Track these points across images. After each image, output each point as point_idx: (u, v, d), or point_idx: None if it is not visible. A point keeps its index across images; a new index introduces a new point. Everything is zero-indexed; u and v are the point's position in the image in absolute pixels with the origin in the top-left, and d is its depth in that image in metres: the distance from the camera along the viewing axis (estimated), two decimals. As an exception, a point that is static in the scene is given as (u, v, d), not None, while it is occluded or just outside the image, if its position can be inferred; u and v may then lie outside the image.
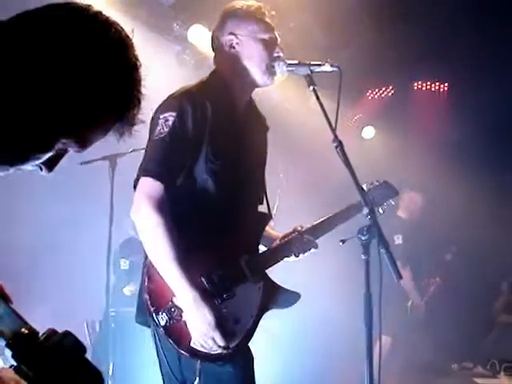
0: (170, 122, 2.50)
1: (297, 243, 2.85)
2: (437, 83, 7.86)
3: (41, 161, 1.30)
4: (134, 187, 2.54)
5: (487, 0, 5.89)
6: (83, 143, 1.31)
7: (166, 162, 2.50)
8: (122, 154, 4.34)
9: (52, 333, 1.20)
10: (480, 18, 5.96)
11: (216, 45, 2.81)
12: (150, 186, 2.47)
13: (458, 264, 7.89)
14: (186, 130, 2.53)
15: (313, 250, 2.90)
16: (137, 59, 1.32)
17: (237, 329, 2.54)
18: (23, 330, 1.19)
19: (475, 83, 7.02)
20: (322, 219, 3.02)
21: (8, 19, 1.27)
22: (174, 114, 2.52)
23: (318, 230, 2.96)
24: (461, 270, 7.85)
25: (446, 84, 7.01)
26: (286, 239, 2.87)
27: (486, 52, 6.42)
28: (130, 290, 5.48)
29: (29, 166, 1.31)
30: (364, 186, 3.12)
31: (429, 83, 7.87)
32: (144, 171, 2.51)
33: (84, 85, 1.23)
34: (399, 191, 3.29)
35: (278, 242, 2.88)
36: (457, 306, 7.60)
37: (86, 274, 5.62)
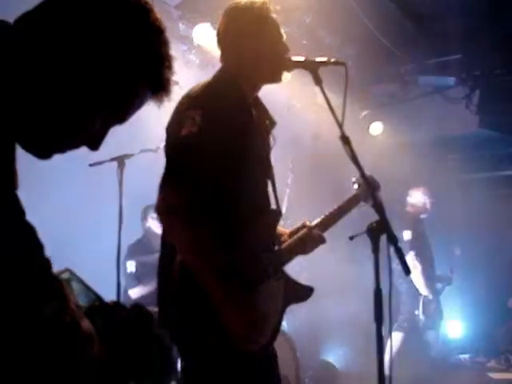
0: (199, 120, 2.37)
1: (309, 239, 2.89)
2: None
3: (86, 138, 1.31)
4: None
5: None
6: (122, 113, 1.33)
7: (198, 168, 2.34)
8: (130, 155, 4.34)
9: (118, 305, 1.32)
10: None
11: (222, 43, 2.79)
12: (181, 206, 2.33)
13: (470, 258, 7.88)
14: (215, 130, 2.38)
15: (321, 245, 2.93)
16: (160, 23, 1.33)
17: (266, 326, 2.53)
18: (96, 303, 1.29)
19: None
20: (327, 213, 3.06)
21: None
22: (199, 111, 2.40)
23: (325, 224, 3.01)
24: (473, 264, 7.84)
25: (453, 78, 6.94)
26: (298, 236, 2.88)
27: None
28: (134, 292, 5.47)
29: (74, 147, 1.31)
30: (353, 181, 3.17)
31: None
32: (174, 183, 2.36)
33: (114, 53, 1.24)
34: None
35: (288, 238, 2.88)
36: (469, 300, 7.59)
37: (96, 276, 5.61)
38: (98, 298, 1.30)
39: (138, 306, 1.34)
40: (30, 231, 1.18)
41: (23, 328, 1.09)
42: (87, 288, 1.30)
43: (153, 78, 1.32)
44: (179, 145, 2.41)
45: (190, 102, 2.50)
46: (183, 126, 2.38)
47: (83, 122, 1.27)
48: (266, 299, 2.56)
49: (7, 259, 1.09)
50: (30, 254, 1.15)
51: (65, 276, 1.28)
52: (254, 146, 2.62)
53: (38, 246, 1.18)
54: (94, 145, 1.34)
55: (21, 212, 1.18)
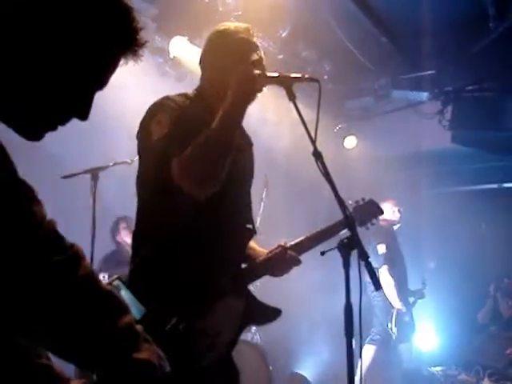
0: (167, 120, 2.45)
1: (278, 260, 2.86)
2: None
3: (72, 109, 1.32)
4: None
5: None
6: (102, 77, 1.34)
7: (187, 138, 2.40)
8: (104, 167, 4.32)
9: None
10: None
11: (202, 65, 2.83)
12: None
13: (443, 271, 7.96)
14: (184, 126, 2.47)
15: (294, 267, 2.91)
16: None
17: (217, 342, 2.54)
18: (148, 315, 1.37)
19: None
20: (307, 235, 3.03)
21: None
22: (165, 114, 2.47)
23: (302, 246, 2.97)
24: (445, 277, 7.92)
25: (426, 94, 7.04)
26: (268, 256, 2.86)
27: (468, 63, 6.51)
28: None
29: (62, 121, 1.32)
30: (350, 203, 3.18)
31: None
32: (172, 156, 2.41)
33: (79, 19, 1.26)
34: (380, 200, 3.37)
35: (261, 258, 2.87)
36: (441, 313, 7.66)
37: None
38: (148, 310, 1.33)
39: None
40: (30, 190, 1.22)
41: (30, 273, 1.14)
42: (135, 298, 1.34)
43: (121, 30, 1.34)
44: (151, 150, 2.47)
45: (155, 108, 2.56)
46: (152, 132, 2.45)
47: (63, 93, 1.28)
48: (222, 316, 2.55)
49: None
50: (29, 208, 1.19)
51: (115, 283, 1.31)
52: None
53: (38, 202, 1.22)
54: (82, 114, 1.35)
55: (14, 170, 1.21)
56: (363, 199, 3.31)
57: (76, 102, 1.32)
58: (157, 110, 2.55)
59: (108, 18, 1.31)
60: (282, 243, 2.91)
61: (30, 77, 1.23)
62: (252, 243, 2.93)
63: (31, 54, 1.22)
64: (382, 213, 3.37)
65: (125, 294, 1.30)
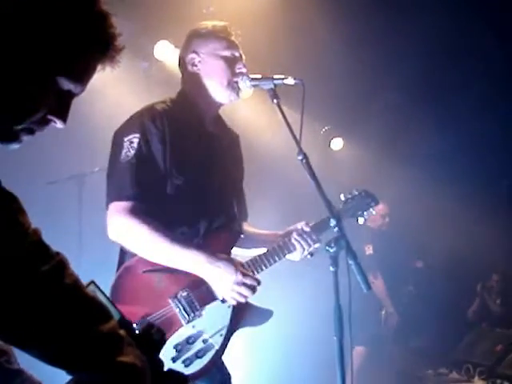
0: (135, 144, 2.52)
1: (260, 261, 2.80)
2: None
3: (49, 110, 1.31)
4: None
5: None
6: (77, 79, 1.33)
7: (137, 183, 2.51)
8: (88, 172, 4.30)
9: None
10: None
11: (181, 65, 2.85)
12: (123, 207, 2.48)
13: (430, 270, 7.98)
14: (152, 150, 2.57)
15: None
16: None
17: (206, 347, 2.54)
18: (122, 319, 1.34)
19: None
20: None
21: None
22: (137, 135, 2.55)
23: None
24: (433, 277, 7.93)
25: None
26: (256, 257, 2.82)
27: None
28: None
29: (41, 122, 1.31)
30: (342, 196, 3.15)
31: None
32: (116, 196, 2.52)
33: (59, 24, 1.26)
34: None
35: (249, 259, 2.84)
36: (430, 312, 7.67)
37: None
38: (121, 314, 1.33)
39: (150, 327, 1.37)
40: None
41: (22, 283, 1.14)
42: (110, 303, 1.33)
43: (97, 36, 1.34)
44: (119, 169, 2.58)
45: (130, 123, 2.65)
46: (122, 149, 2.55)
47: (37, 92, 1.27)
48: (208, 321, 2.57)
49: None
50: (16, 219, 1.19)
51: (90, 288, 1.31)
52: (196, 163, 2.70)
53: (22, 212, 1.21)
54: (60, 117, 1.34)
55: None
56: (357, 190, 3.24)
57: (52, 104, 1.31)
58: (138, 127, 2.60)
59: (84, 23, 1.30)
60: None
61: (3, 76, 1.22)
62: (254, 229, 3.01)
63: (5, 54, 1.21)
64: (377, 202, 3.28)
65: (100, 299, 1.32)
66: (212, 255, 2.50)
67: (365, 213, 3.22)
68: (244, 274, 2.51)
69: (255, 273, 2.72)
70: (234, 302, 2.53)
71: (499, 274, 7.91)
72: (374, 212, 3.28)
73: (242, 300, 2.53)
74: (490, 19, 6.14)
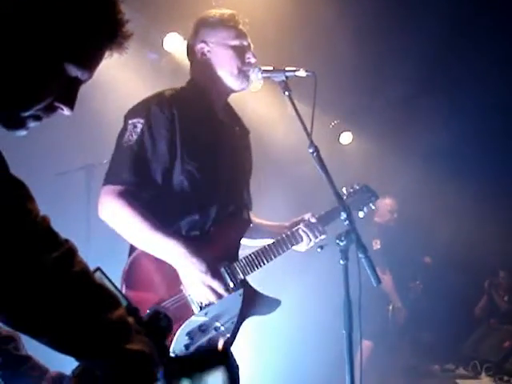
0: (139, 129, 2.52)
1: (268, 251, 2.83)
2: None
3: (57, 97, 1.30)
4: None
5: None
6: (85, 65, 1.32)
7: (134, 170, 2.51)
8: (97, 164, 4.29)
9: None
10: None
11: (190, 54, 2.84)
12: (114, 190, 2.49)
13: (438, 266, 7.94)
14: (155, 137, 2.55)
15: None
16: None
17: (218, 334, 2.54)
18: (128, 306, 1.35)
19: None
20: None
21: None
22: (142, 120, 2.54)
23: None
24: (441, 272, 7.91)
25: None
26: (264, 247, 2.84)
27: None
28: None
29: (48, 108, 1.31)
30: (344, 190, 3.15)
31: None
32: (111, 179, 2.53)
33: (67, 10, 1.24)
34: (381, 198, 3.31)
35: (257, 250, 2.86)
36: (438, 308, 7.65)
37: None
38: (128, 301, 1.34)
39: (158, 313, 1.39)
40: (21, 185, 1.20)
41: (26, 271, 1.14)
42: (116, 289, 1.34)
43: (105, 22, 1.33)
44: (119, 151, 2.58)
45: (137, 108, 2.64)
46: (126, 132, 2.55)
47: (44, 78, 1.26)
48: (219, 309, 2.56)
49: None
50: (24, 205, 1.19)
51: (96, 275, 1.32)
52: (208, 149, 2.69)
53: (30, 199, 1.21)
54: (68, 102, 1.33)
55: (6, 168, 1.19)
56: (358, 184, 3.26)
57: (59, 90, 1.30)
58: (143, 111, 2.59)
59: (92, 9, 1.29)
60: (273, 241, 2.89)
61: (10, 61, 1.21)
62: (260, 220, 3.00)
63: (13, 40, 1.20)
64: (377, 197, 3.29)
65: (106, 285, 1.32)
66: (193, 251, 2.46)
67: (365, 207, 3.23)
68: (213, 277, 2.48)
69: (264, 263, 2.75)
70: (198, 300, 2.52)
71: (506, 270, 7.89)
72: (373, 207, 3.29)
73: (205, 301, 2.51)
74: (494, 14, 6.10)
